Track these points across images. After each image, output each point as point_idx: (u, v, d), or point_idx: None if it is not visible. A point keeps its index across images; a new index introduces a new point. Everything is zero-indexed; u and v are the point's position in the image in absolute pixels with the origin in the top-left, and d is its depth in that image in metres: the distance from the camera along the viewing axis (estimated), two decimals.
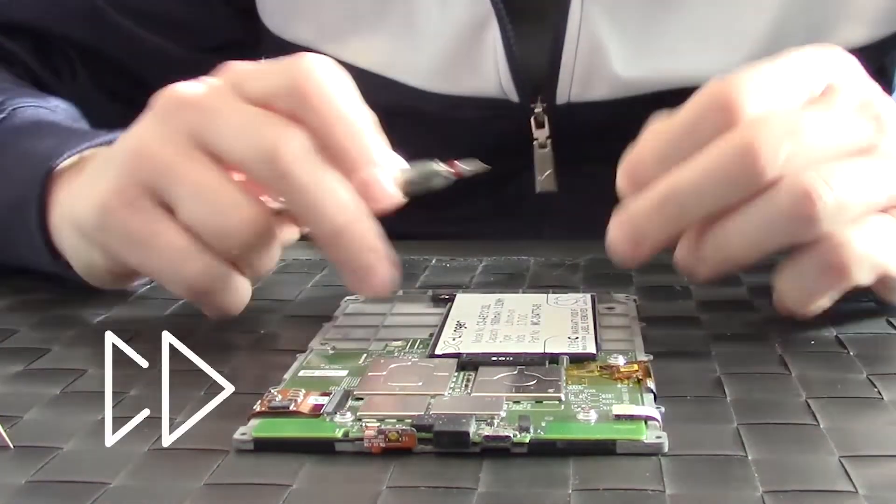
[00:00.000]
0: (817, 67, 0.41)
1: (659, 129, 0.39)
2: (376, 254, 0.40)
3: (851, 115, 0.39)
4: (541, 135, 0.62)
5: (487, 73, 0.61)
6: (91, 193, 0.42)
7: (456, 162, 0.42)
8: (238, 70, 0.43)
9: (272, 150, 0.39)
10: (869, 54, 0.59)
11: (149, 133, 0.42)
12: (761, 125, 0.37)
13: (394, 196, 0.41)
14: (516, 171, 0.63)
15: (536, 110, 0.62)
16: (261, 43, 0.68)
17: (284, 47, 0.65)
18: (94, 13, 0.65)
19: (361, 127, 0.41)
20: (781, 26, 0.59)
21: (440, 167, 0.42)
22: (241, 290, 0.43)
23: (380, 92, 0.62)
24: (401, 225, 0.69)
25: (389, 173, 0.41)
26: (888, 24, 0.61)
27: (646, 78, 0.59)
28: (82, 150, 0.48)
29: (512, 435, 0.31)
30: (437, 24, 0.61)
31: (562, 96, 0.61)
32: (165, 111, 0.42)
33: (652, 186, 0.38)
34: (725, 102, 0.38)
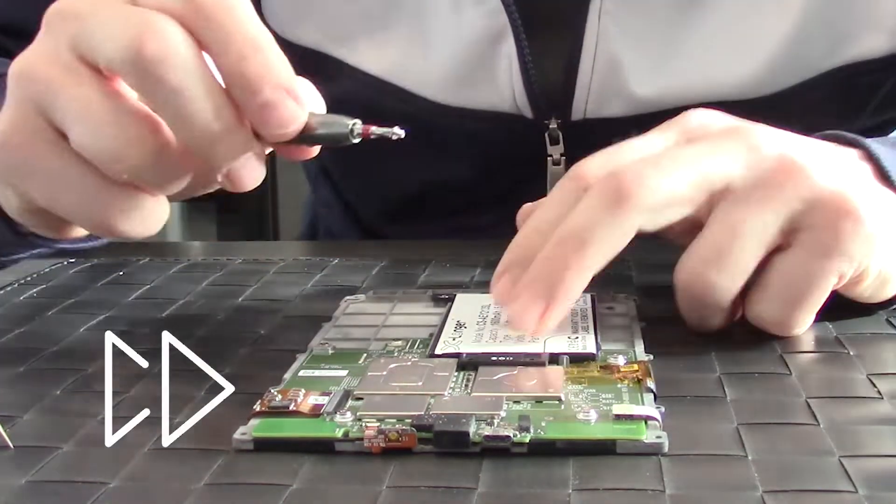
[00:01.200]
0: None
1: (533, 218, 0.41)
2: (250, 158, 0.37)
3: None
4: (555, 151, 0.61)
5: (502, 87, 0.60)
6: None
7: (373, 127, 0.38)
8: None
9: (137, 45, 0.35)
10: (888, 65, 0.59)
11: (35, 51, 0.38)
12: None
13: (299, 122, 0.37)
14: (525, 186, 0.63)
15: (551, 126, 0.61)
16: None
17: (289, 48, 0.65)
18: None
19: (266, 44, 0.36)
20: (800, 37, 0.58)
21: (352, 123, 0.38)
22: (150, 215, 0.39)
23: (389, 100, 0.61)
24: (403, 237, 0.69)
25: (299, 101, 0.37)
26: None
27: (662, 94, 0.59)
28: None
29: (512, 435, 0.31)
30: (451, 32, 0.60)
31: (577, 113, 0.60)
32: (49, 26, 0.38)
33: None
34: (576, 173, 0.41)
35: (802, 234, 0.39)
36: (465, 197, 0.65)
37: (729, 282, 0.40)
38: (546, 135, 0.61)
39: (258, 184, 0.38)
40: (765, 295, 0.40)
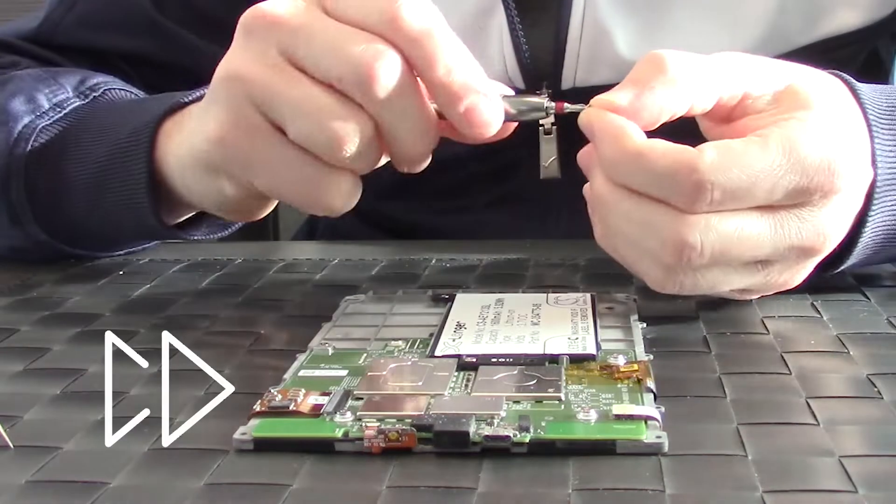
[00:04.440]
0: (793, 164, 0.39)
1: (632, 149, 0.39)
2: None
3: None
4: (546, 121, 0.62)
5: (493, 60, 0.61)
6: (206, 127, 0.43)
7: (565, 103, 0.43)
8: None
9: (366, 70, 0.40)
10: (863, 38, 0.62)
11: (239, 55, 0.42)
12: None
13: (497, 123, 0.42)
14: (519, 162, 0.63)
15: (542, 97, 0.62)
16: None
17: None
18: (154, 28, 0.66)
19: (460, 54, 0.41)
20: (782, 9, 0.60)
21: (545, 101, 0.44)
22: (354, 191, 0.43)
23: None
24: (401, 215, 0.70)
25: (494, 101, 0.41)
26: (881, 8, 0.62)
27: None
28: (184, 101, 0.50)
29: (512, 435, 0.31)
30: (441, 6, 0.61)
31: (567, 81, 0.61)
32: (253, 32, 0.42)
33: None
34: (693, 188, 0.38)
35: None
36: (458, 174, 0.66)
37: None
38: None
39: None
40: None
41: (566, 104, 0.43)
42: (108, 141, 0.52)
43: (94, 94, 0.57)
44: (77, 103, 0.56)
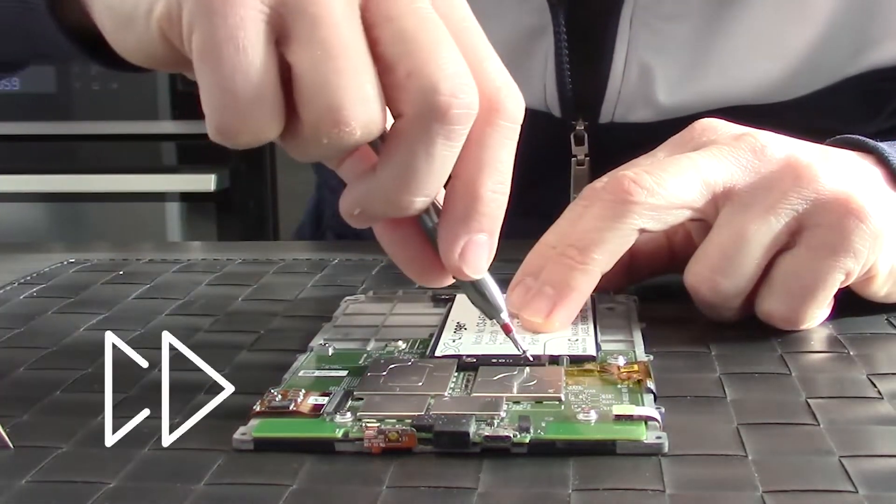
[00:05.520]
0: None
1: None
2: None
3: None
4: (580, 152, 0.62)
5: (534, 84, 0.61)
6: None
7: (513, 332, 0.37)
8: None
9: (447, 98, 0.32)
10: None
11: None
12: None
13: (481, 273, 0.36)
14: (545, 181, 0.63)
15: (578, 127, 0.62)
16: None
17: None
18: None
19: (507, 187, 0.36)
20: (825, 45, 0.59)
21: (504, 316, 0.37)
22: (258, 140, 0.33)
23: None
24: None
25: (493, 252, 0.36)
26: None
27: (690, 102, 0.60)
28: None
29: (512, 435, 0.31)
30: (491, 25, 0.60)
31: (605, 116, 0.61)
32: None
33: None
34: (585, 193, 0.42)
35: (807, 233, 0.40)
36: None
37: (735, 285, 0.41)
38: (572, 135, 0.62)
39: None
40: (772, 292, 0.41)
41: (513, 334, 0.37)
42: None
43: None
44: None
